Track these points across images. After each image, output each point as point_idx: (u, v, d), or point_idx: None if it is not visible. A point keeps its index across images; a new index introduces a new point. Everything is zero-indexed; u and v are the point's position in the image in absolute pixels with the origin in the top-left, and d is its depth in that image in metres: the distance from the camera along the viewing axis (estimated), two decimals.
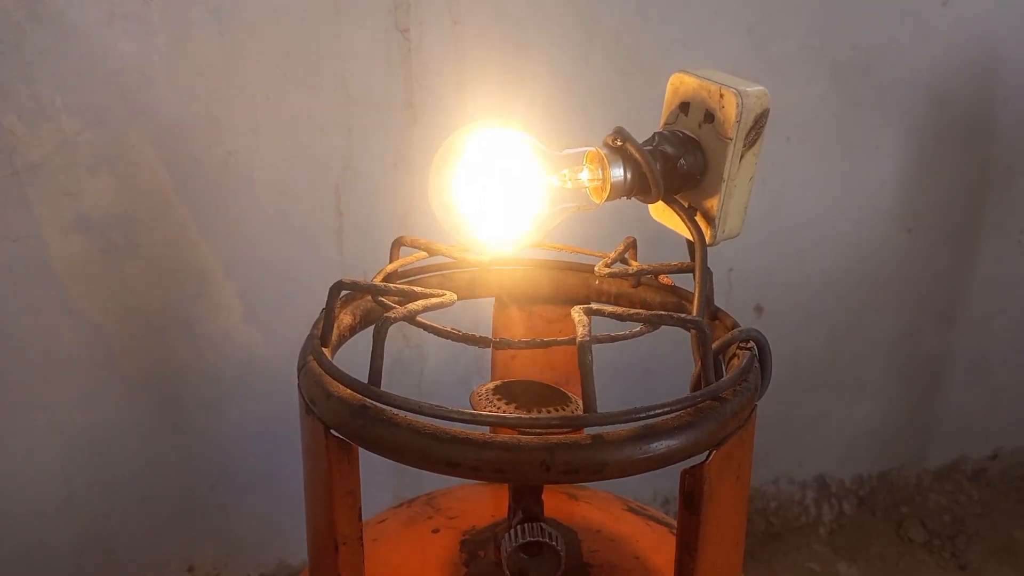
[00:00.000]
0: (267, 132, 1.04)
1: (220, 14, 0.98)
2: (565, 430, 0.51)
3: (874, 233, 1.37)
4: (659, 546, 0.71)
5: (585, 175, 0.62)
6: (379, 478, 1.16)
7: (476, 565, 0.66)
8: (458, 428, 0.50)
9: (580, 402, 0.63)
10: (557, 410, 0.59)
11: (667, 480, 1.39)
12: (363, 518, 0.56)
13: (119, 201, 1.01)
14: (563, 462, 0.48)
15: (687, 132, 0.64)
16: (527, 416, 0.50)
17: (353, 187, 1.09)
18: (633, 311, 0.55)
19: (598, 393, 0.49)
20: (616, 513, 0.76)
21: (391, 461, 0.51)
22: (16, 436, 1.06)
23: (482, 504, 0.75)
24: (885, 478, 1.54)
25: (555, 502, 0.73)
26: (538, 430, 0.51)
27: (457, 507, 0.75)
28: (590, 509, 0.75)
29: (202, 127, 1.01)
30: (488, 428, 0.53)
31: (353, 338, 0.68)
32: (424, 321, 0.54)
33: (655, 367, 1.29)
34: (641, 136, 0.64)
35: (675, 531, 0.75)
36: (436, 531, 0.71)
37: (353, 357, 0.64)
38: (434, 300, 0.57)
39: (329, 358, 0.56)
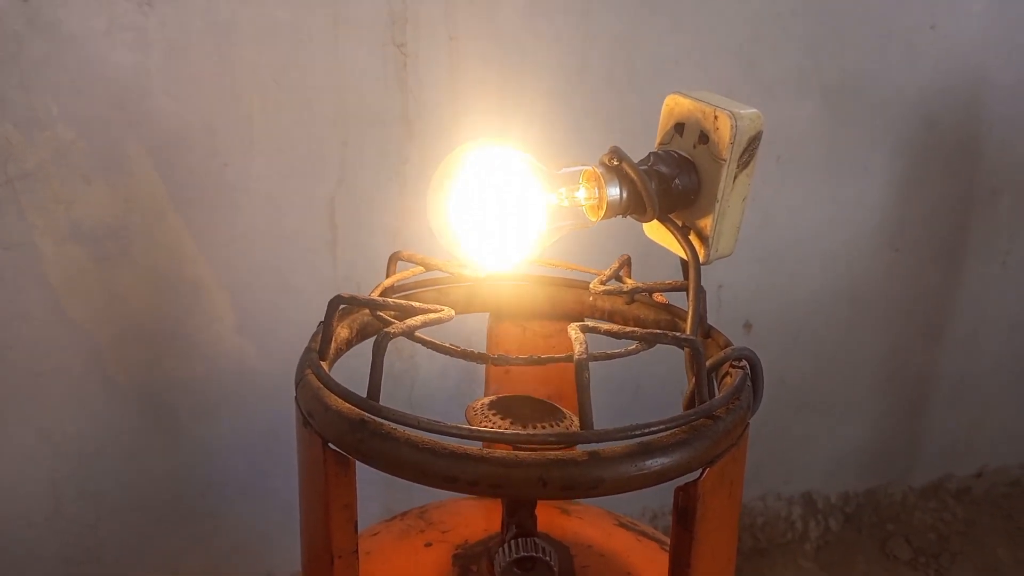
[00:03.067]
0: (263, 144, 1.04)
1: (218, 26, 0.99)
2: (561, 446, 0.52)
3: (862, 252, 1.39)
4: (649, 562, 0.72)
5: (582, 193, 0.63)
6: (369, 491, 1.16)
7: None
8: (455, 443, 0.50)
9: (574, 418, 0.63)
10: (552, 426, 0.59)
11: (656, 496, 1.39)
12: None
13: (113, 210, 1.01)
14: (560, 478, 0.49)
15: (682, 153, 0.65)
16: (524, 432, 0.51)
17: (348, 200, 1.09)
18: (629, 329, 0.55)
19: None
20: (607, 528, 0.76)
21: (381, 475, 0.51)
22: (4, 443, 1.06)
23: (475, 518, 0.75)
24: (871, 495, 1.55)
25: (547, 517, 0.74)
26: (535, 446, 0.52)
27: (450, 521, 0.75)
28: (582, 524, 0.76)
29: (198, 138, 1.02)
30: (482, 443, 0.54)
31: (346, 357, 0.68)
32: (423, 337, 0.55)
33: (645, 383, 1.30)
34: (636, 156, 0.65)
35: (665, 547, 0.76)
36: (428, 545, 0.72)
37: (347, 371, 0.65)
38: (432, 316, 0.57)
39: (327, 372, 0.57)
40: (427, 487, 0.52)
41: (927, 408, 1.54)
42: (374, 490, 1.19)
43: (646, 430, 0.51)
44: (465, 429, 0.50)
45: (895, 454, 1.56)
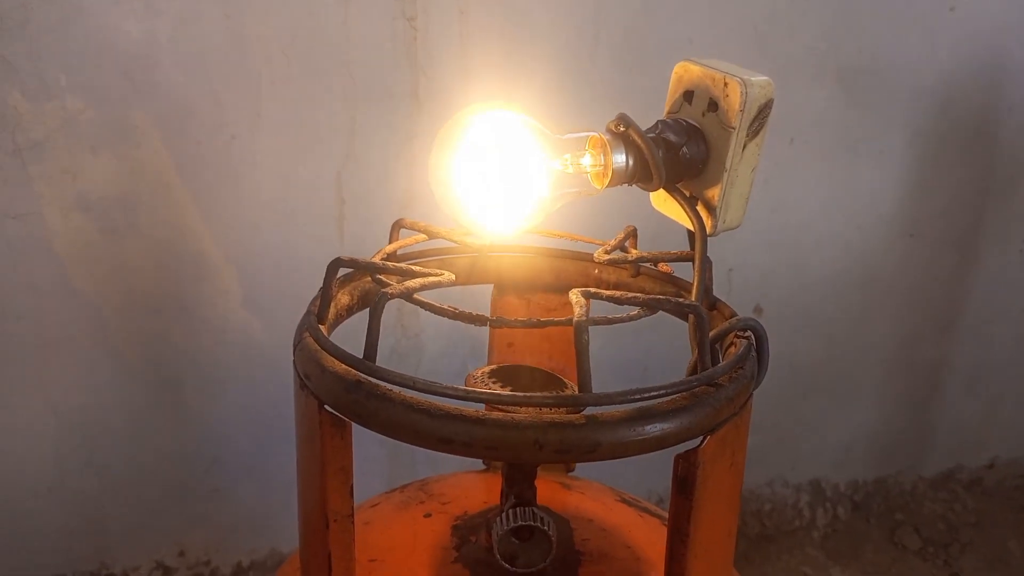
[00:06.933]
0: (270, 117, 1.04)
1: None
2: (560, 410, 0.51)
3: (876, 237, 1.37)
4: (651, 537, 0.71)
5: (587, 160, 0.62)
6: (373, 466, 1.15)
7: (467, 549, 0.66)
8: (453, 406, 0.50)
9: (575, 388, 0.63)
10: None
11: (662, 478, 1.38)
12: (355, 503, 0.55)
13: (120, 181, 1.01)
14: (556, 441, 0.48)
15: (690, 121, 0.64)
16: (521, 395, 0.50)
17: (355, 174, 1.09)
18: (631, 295, 0.54)
19: (594, 385, 0.49)
20: (609, 504, 0.75)
21: (385, 449, 0.51)
22: (10, 414, 1.06)
23: (475, 491, 0.75)
24: (880, 484, 1.53)
25: (548, 491, 0.73)
26: (532, 409, 0.51)
27: (450, 493, 0.74)
28: (583, 499, 0.75)
29: (206, 110, 1.01)
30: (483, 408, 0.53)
31: (348, 330, 0.67)
32: (421, 299, 0.54)
33: (652, 365, 1.29)
34: (644, 127, 0.64)
35: (667, 523, 0.75)
36: (428, 515, 0.71)
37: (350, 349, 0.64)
38: (432, 279, 0.56)
39: (325, 334, 0.56)
40: (431, 463, 0.51)
41: (939, 397, 1.53)
42: (376, 465, 1.19)
43: (645, 395, 0.50)
44: (461, 390, 0.49)
45: (906, 443, 1.54)
